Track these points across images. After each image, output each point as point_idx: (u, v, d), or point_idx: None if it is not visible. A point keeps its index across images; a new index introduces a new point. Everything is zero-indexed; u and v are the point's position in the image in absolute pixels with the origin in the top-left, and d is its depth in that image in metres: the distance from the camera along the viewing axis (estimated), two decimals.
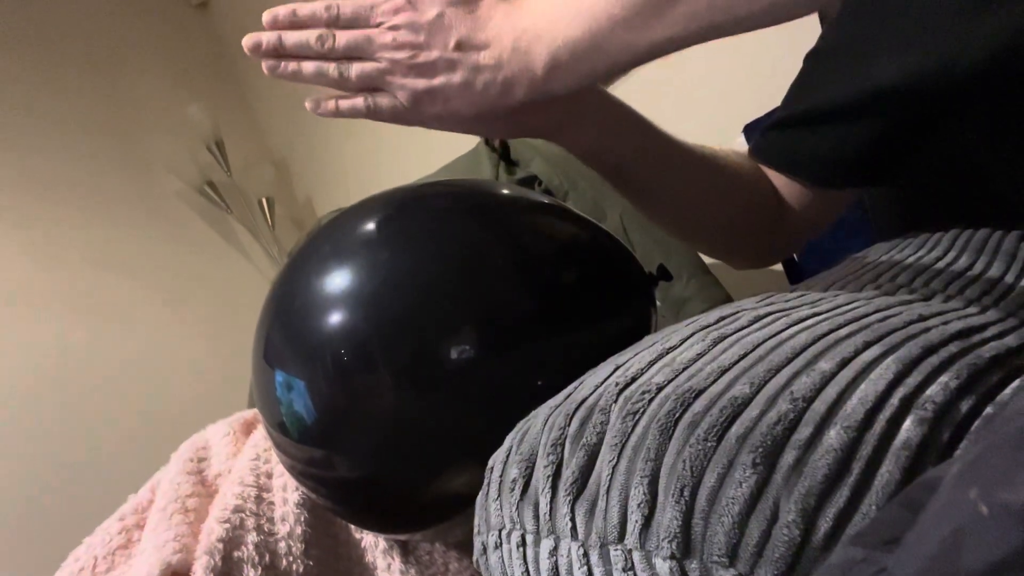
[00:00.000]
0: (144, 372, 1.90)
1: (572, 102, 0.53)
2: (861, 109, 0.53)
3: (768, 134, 0.62)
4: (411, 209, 0.58)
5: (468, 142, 1.38)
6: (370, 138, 2.02)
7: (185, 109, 2.07)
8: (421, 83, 0.46)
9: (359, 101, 0.49)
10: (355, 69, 0.47)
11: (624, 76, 1.29)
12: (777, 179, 0.64)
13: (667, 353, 0.37)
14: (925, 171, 0.57)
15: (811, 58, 0.59)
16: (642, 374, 0.36)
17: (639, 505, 0.30)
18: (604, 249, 0.60)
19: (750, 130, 1.11)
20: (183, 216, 2.13)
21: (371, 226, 0.57)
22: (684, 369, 0.35)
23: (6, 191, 1.87)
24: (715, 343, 0.37)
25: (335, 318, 0.53)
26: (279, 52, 0.48)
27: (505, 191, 0.63)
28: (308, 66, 0.48)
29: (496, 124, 0.52)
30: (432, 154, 1.47)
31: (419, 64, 0.46)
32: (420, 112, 0.48)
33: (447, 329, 0.51)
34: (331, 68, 0.48)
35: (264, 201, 2.15)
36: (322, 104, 0.50)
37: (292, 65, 0.48)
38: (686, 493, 0.29)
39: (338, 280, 0.54)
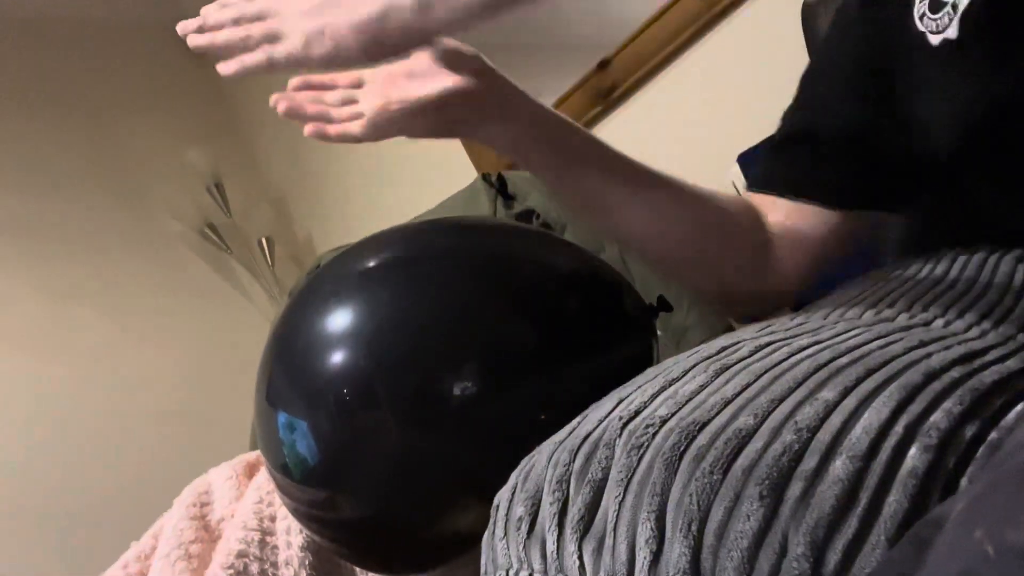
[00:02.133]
0: (145, 414, 1.89)
1: (492, 96, 0.57)
2: (850, 137, 0.55)
3: (765, 162, 0.63)
4: (410, 247, 0.59)
5: (466, 178, 1.39)
6: (369, 176, 2.04)
7: (185, 153, 2.09)
8: (311, 23, 0.51)
9: (259, 54, 0.53)
10: (257, 26, 0.53)
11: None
12: (776, 214, 0.61)
13: (670, 385, 0.37)
14: (923, 197, 0.58)
15: (805, 78, 0.61)
16: (645, 407, 0.36)
17: (647, 541, 0.30)
18: (604, 281, 0.61)
19: (744, 159, 1.12)
20: (184, 258, 2.14)
21: (371, 265, 0.57)
22: (687, 401, 0.35)
23: (7, 236, 1.88)
24: (717, 374, 0.37)
25: (337, 358, 0.53)
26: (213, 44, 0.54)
27: (503, 227, 0.64)
28: (220, 36, 0.54)
29: (418, 119, 0.56)
30: (430, 191, 1.48)
31: (308, 9, 0.51)
32: (311, 56, 0.53)
33: (449, 366, 0.51)
34: (239, 32, 0.54)
35: (264, 241, 2.16)
36: (230, 66, 0.55)
37: (217, 39, 0.54)
38: (694, 528, 0.29)
39: (339, 320, 0.54)
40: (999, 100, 0.47)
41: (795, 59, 0.65)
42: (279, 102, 0.57)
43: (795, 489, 0.29)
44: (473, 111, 0.58)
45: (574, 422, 0.39)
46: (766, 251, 0.60)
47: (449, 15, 0.49)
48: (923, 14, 0.49)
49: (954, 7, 0.47)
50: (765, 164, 0.63)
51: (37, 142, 2.00)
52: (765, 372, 0.36)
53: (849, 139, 0.56)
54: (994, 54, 0.46)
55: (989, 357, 0.36)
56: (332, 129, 0.56)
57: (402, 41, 0.51)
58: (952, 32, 0.47)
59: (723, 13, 1.26)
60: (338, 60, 0.53)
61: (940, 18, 0.48)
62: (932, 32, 0.49)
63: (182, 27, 0.55)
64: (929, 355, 0.36)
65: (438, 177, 1.57)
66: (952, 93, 0.49)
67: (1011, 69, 0.46)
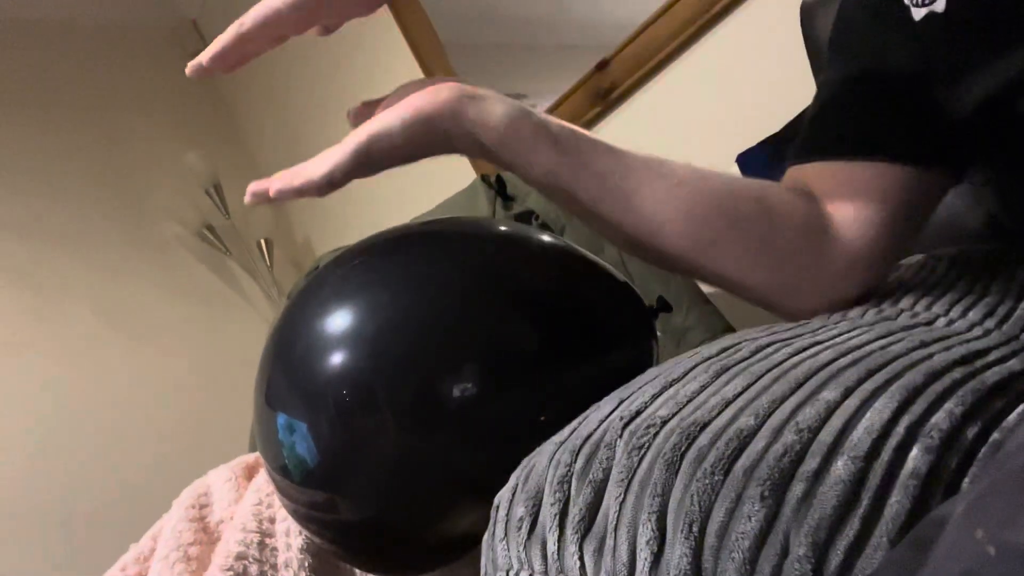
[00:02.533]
0: (143, 416, 1.89)
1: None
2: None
3: (812, 130, 0.53)
4: (409, 248, 0.59)
5: (465, 179, 1.39)
6: (367, 178, 2.04)
7: (183, 155, 2.09)
8: None
9: (230, 31, 0.51)
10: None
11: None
12: (831, 190, 0.51)
13: (670, 386, 0.37)
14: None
15: (834, 39, 0.54)
16: (646, 408, 0.36)
17: (648, 542, 0.30)
18: (603, 282, 0.60)
19: (743, 159, 1.12)
20: (182, 260, 2.14)
21: (370, 266, 0.57)
22: (688, 402, 0.35)
23: (5, 238, 1.88)
24: (718, 375, 0.37)
25: (336, 359, 0.52)
26: None
27: (503, 227, 0.64)
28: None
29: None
30: (429, 192, 1.48)
31: None
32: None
33: (448, 367, 0.51)
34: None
35: (263, 243, 2.16)
36: (206, 53, 0.52)
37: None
38: (695, 529, 0.29)
39: (338, 321, 0.54)
40: (990, 89, 0.44)
41: (794, 60, 0.65)
42: (250, 192, 0.55)
43: (796, 490, 0.29)
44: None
45: (575, 423, 0.39)
46: (825, 232, 0.50)
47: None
48: None
49: None
50: (815, 130, 0.53)
51: (37, 144, 2.00)
52: (766, 373, 0.35)
53: (903, 93, 0.49)
54: (985, 28, 0.43)
55: (991, 357, 0.36)
56: (297, 180, 0.53)
57: None
58: (939, 5, 0.44)
59: (722, 14, 1.27)
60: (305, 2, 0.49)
61: None
62: (916, 5, 0.45)
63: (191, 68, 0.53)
64: (931, 355, 0.35)
65: (437, 178, 1.57)
66: (936, 71, 0.46)
67: (1008, 50, 0.42)
